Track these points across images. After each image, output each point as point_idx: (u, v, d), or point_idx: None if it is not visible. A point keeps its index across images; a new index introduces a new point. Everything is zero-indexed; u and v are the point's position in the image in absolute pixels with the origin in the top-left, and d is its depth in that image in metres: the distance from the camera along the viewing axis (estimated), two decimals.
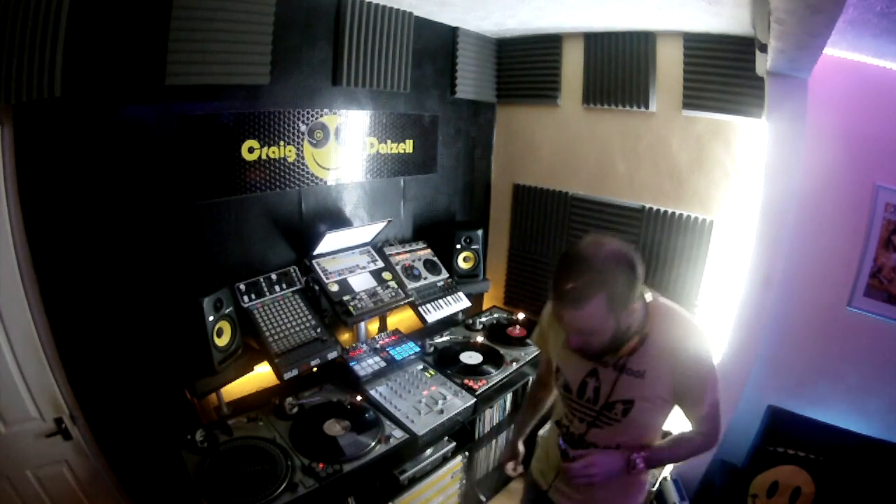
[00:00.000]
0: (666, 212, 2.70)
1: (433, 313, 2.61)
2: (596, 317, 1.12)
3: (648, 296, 1.27)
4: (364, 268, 2.52)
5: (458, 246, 2.96)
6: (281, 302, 2.20)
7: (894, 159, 2.10)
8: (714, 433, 1.35)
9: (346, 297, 2.31)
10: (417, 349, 2.48)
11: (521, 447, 1.74)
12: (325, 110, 2.35)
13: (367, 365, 2.28)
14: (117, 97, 1.70)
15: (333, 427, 1.94)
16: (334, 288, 2.33)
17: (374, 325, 2.74)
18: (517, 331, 2.88)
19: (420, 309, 2.58)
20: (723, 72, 2.38)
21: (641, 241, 2.79)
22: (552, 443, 1.52)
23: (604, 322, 1.13)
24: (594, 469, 1.27)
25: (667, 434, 1.42)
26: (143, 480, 1.93)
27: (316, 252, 2.38)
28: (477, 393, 2.26)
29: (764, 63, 1.97)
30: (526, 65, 3.09)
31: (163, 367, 1.92)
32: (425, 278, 2.73)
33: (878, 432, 2.12)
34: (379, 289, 2.46)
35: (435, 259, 2.87)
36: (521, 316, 3.00)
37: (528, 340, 2.78)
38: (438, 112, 2.95)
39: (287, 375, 1.99)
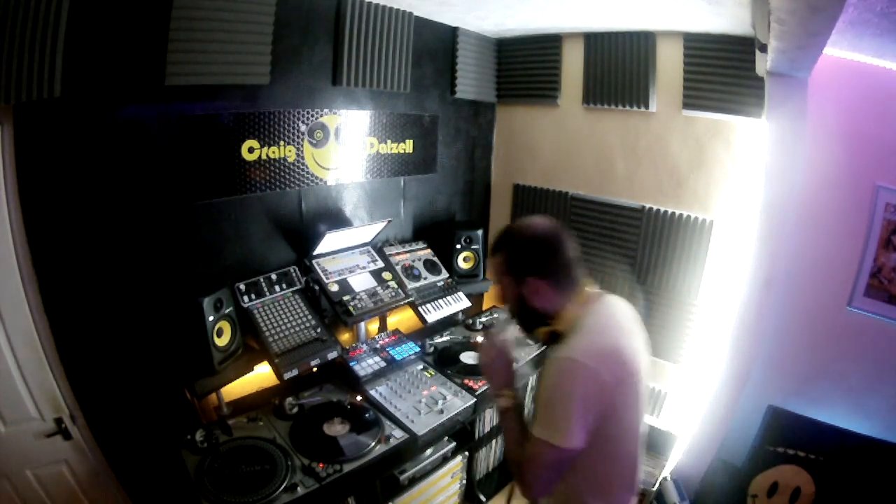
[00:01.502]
0: (666, 212, 2.70)
1: (433, 313, 2.61)
2: (497, 267, 1.30)
3: (579, 303, 1.24)
4: (364, 268, 2.52)
5: (458, 246, 2.96)
6: (281, 302, 2.20)
7: (894, 159, 2.09)
8: (522, 475, 1.21)
9: (346, 297, 2.31)
10: (417, 349, 2.48)
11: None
12: (325, 110, 2.35)
13: (367, 365, 2.28)
14: (117, 97, 1.70)
15: (333, 427, 1.94)
16: (334, 288, 2.33)
17: (374, 325, 2.74)
18: (517, 331, 2.87)
19: (420, 309, 2.58)
20: (723, 72, 2.38)
21: (641, 240, 2.79)
22: None
23: (501, 276, 1.29)
24: (490, 350, 1.36)
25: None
26: (143, 480, 1.93)
27: (316, 252, 2.38)
28: (477, 393, 2.26)
29: (764, 63, 1.97)
30: (526, 65, 3.09)
31: (163, 367, 1.92)
32: (425, 278, 2.73)
33: (879, 432, 2.12)
34: (379, 289, 2.46)
35: (435, 259, 2.87)
36: None
37: (529, 341, 2.78)
38: (438, 112, 2.95)
39: (287, 375, 1.99)
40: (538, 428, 1.16)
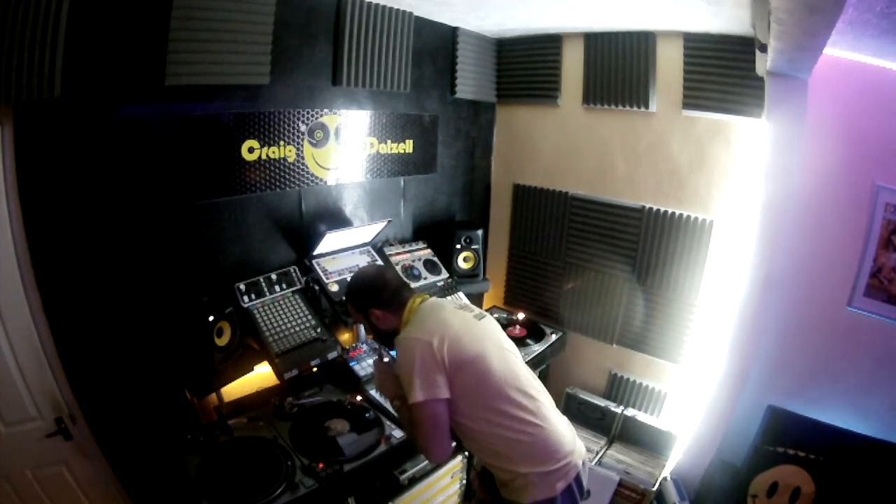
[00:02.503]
0: (666, 212, 2.70)
1: None
2: (350, 308, 1.72)
3: (410, 310, 1.61)
4: None
5: (458, 246, 2.96)
6: (281, 302, 2.20)
7: (894, 159, 2.10)
8: (417, 442, 1.52)
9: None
10: None
11: None
12: (325, 110, 2.35)
13: (367, 365, 2.28)
14: (117, 97, 1.70)
15: (333, 427, 1.94)
16: (334, 288, 2.33)
17: None
18: (517, 331, 2.88)
19: None
20: (723, 72, 2.39)
21: (641, 240, 2.79)
22: None
23: (355, 313, 1.71)
24: (379, 372, 1.73)
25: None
26: (143, 480, 1.93)
27: (316, 252, 2.38)
28: None
29: (764, 63, 1.97)
30: (526, 65, 3.09)
31: (163, 366, 1.92)
32: (425, 278, 2.73)
33: (878, 432, 2.12)
34: None
35: (435, 259, 2.87)
36: (521, 316, 3.00)
37: (529, 341, 2.79)
38: (438, 112, 2.95)
39: (287, 375, 1.99)
40: (408, 399, 1.46)
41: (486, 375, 1.48)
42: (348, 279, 2.39)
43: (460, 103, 3.10)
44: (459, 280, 2.92)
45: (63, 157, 1.62)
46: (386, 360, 1.79)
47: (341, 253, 2.51)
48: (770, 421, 2.31)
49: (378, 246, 2.71)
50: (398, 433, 1.96)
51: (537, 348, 2.73)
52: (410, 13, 2.53)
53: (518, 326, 2.92)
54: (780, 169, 2.18)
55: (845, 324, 2.24)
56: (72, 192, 1.65)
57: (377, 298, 1.64)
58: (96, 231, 1.72)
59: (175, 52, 1.75)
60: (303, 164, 2.30)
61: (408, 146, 2.79)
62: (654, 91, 2.65)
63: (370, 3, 2.34)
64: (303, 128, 2.26)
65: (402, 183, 2.86)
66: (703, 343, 2.68)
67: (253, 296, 2.14)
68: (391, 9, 2.43)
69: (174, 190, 1.90)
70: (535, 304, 3.30)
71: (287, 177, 2.25)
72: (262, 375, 2.16)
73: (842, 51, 2.02)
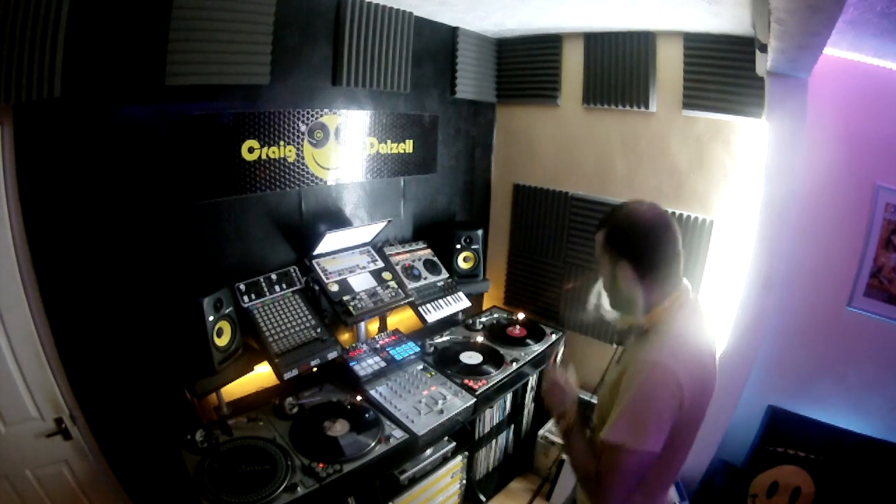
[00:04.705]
0: None
1: (433, 313, 2.61)
2: (599, 242, 1.28)
3: (669, 301, 1.21)
4: (364, 268, 2.52)
5: (458, 246, 2.96)
6: (281, 302, 2.20)
7: (894, 159, 2.10)
8: (599, 488, 1.17)
9: (346, 297, 2.31)
10: (417, 349, 2.48)
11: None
12: (325, 110, 2.35)
13: (367, 365, 2.28)
14: (117, 97, 1.70)
15: (333, 427, 1.94)
16: (334, 288, 2.33)
17: (374, 325, 2.73)
18: (517, 331, 2.88)
19: (420, 309, 2.57)
20: (723, 72, 2.38)
21: None
22: None
23: (601, 252, 1.27)
24: (549, 384, 1.37)
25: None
26: (143, 480, 1.93)
27: (316, 252, 2.38)
28: (477, 393, 2.26)
29: (764, 63, 1.97)
30: (526, 65, 3.09)
31: (163, 367, 1.92)
32: (425, 278, 2.73)
33: (878, 432, 2.12)
34: (379, 289, 2.46)
35: (435, 259, 2.87)
36: (521, 316, 3.00)
37: (529, 341, 2.79)
38: (438, 112, 2.95)
39: (287, 375, 1.99)
40: (614, 432, 1.12)
41: (687, 445, 1.21)
42: (348, 279, 2.40)
43: (460, 103, 3.10)
44: (459, 280, 2.92)
45: (63, 157, 1.62)
46: (562, 369, 1.40)
47: (341, 253, 2.51)
48: (770, 421, 2.31)
49: (378, 246, 2.71)
50: (398, 433, 1.97)
51: (537, 348, 2.73)
52: (410, 13, 2.53)
53: (518, 326, 2.92)
54: (780, 169, 2.18)
55: (845, 324, 2.24)
56: (72, 192, 1.65)
57: (641, 256, 1.20)
58: (96, 231, 1.73)
59: (175, 52, 1.75)
60: (303, 164, 2.30)
61: (408, 146, 2.79)
62: (654, 91, 2.64)
63: (370, 3, 2.34)
64: (303, 128, 2.26)
65: (402, 183, 2.86)
66: None
67: (253, 296, 2.14)
68: (391, 9, 2.43)
69: (174, 190, 1.90)
70: (535, 304, 3.30)
71: (287, 177, 2.25)
72: (262, 375, 2.16)
73: (842, 51, 2.02)
